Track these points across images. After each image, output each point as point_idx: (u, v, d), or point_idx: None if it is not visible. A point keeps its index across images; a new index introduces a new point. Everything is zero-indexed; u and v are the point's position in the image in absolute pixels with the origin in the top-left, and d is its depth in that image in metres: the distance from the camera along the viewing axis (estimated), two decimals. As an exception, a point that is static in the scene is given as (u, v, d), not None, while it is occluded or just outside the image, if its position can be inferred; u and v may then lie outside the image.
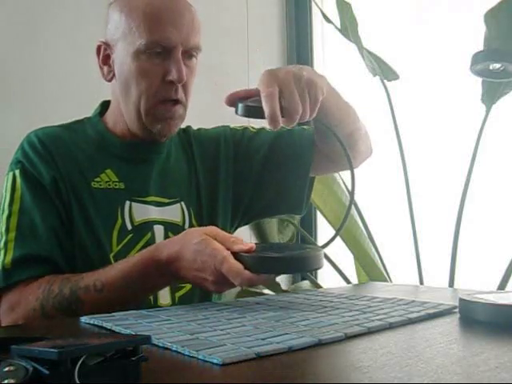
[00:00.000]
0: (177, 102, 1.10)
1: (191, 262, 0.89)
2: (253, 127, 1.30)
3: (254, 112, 0.92)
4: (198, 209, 1.20)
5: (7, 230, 1.03)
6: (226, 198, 1.23)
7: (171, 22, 1.07)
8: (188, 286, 1.14)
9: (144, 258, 0.95)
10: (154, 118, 1.10)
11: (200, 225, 1.17)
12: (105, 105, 1.21)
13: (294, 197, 1.25)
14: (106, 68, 1.14)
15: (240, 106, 0.93)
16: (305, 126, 1.25)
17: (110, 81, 1.15)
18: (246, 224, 1.33)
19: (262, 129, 1.28)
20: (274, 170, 1.22)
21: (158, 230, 1.14)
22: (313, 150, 1.22)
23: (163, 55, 1.08)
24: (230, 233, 1.25)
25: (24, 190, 1.06)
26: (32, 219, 1.04)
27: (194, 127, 1.31)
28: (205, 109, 2.31)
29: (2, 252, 1.01)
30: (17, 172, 1.07)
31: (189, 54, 1.11)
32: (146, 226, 1.13)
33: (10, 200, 1.05)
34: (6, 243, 1.02)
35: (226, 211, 1.23)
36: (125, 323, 0.78)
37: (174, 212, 1.17)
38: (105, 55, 1.13)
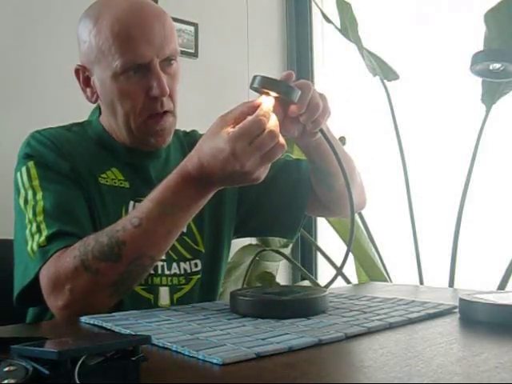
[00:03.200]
0: (165, 112, 1.10)
1: (218, 161, 0.87)
2: None
3: (270, 84, 0.89)
4: (199, 213, 1.19)
5: (34, 214, 1.02)
6: (231, 207, 1.22)
7: (142, 37, 1.05)
8: (187, 288, 1.14)
9: (171, 179, 0.93)
10: (146, 132, 1.11)
11: (200, 229, 1.16)
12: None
13: (289, 223, 1.26)
14: (88, 90, 1.13)
15: (257, 77, 0.90)
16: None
17: (95, 102, 1.15)
18: (237, 238, 1.32)
19: None
20: (275, 194, 1.21)
21: None
22: (310, 184, 1.22)
23: (141, 71, 1.06)
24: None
25: (42, 176, 1.05)
26: (58, 199, 1.03)
27: (193, 127, 1.30)
28: (205, 109, 2.31)
29: (37, 235, 0.99)
30: (30, 164, 1.06)
31: (167, 61, 1.09)
32: None
33: (31, 189, 1.04)
34: (38, 226, 1.00)
35: (231, 219, 1.23)
36: (125, 323, 0.78)
37: None
38: (85, 77, 1.12)
